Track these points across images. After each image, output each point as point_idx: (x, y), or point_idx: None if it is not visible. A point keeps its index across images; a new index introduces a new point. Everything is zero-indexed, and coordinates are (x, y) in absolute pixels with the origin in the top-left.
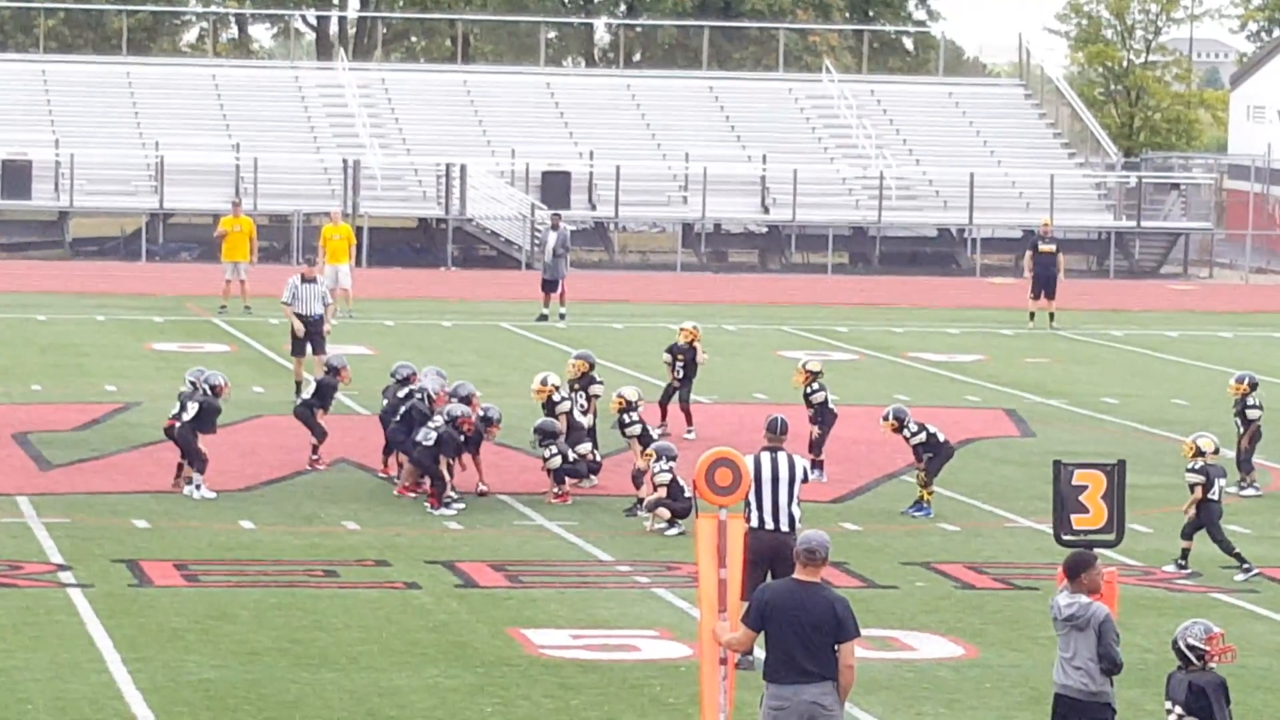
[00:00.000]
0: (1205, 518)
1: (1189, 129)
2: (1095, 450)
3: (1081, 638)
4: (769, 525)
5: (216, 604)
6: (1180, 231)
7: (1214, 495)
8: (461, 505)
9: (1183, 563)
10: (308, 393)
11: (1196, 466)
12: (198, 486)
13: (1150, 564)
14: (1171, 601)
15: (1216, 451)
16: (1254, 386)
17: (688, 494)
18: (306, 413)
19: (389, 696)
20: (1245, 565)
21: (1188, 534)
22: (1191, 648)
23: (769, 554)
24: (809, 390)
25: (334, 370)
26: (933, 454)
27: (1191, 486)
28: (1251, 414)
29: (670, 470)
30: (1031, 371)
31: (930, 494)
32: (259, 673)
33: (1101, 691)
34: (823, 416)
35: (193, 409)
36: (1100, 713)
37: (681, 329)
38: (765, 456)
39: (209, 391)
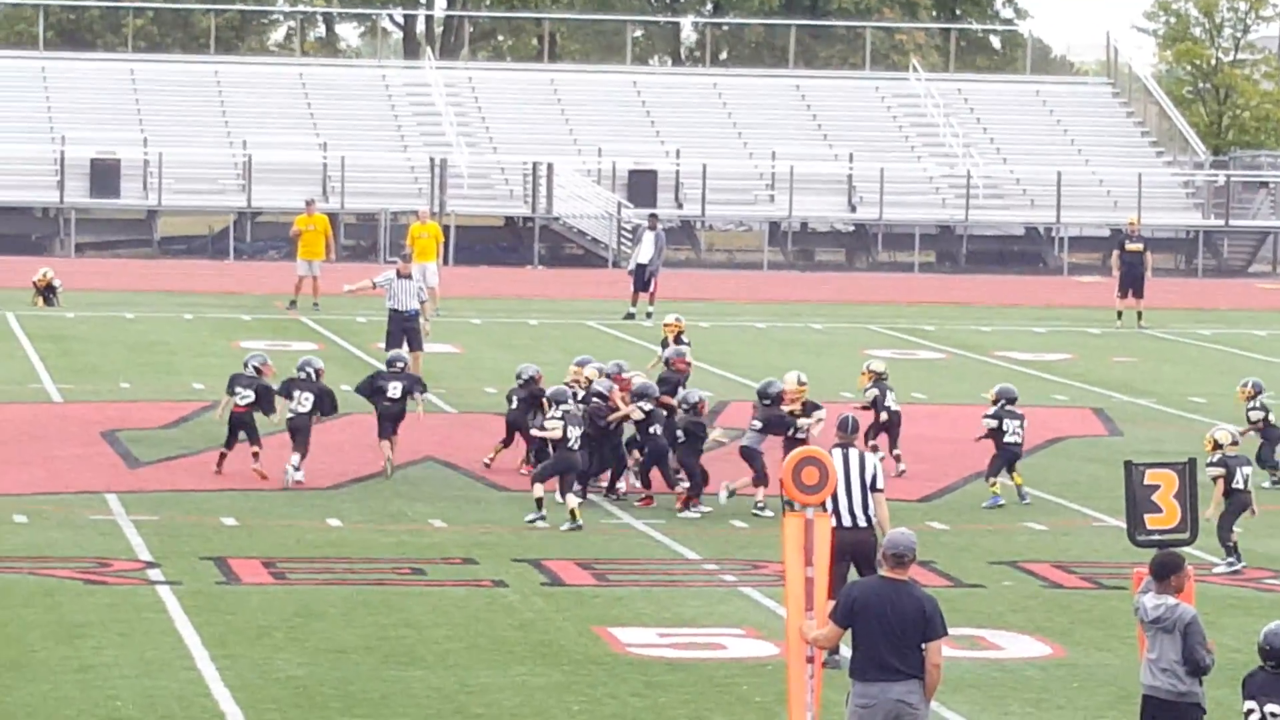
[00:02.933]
0: (1232, 508)
1: (1278, 127)
2: (1183, 449)
3: (1168, 639)
4: (846, 522)
5: (304, 602)
6: (1269, 230)
7: (1238, 484)
8: (709, 509)
9: (1231, 559)
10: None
11: (1215, 459)
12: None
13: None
14: (1260, 601)
15: (1235, 443)
16: None
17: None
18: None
19: (476, 694)
20: (1230, 559)
21: (1229, 527)
22: None
23: (849, 550)
24: (866, 388)
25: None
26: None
27: (1214, 479)
28: None
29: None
30: (1119, 370)
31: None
32: (347, 670)
33: (1190, 692)
34: (879, 414)
35: (250, 394)
36: (1190, 713)
37: (665, 324)
38: (837, 454)
39: (256, 372)
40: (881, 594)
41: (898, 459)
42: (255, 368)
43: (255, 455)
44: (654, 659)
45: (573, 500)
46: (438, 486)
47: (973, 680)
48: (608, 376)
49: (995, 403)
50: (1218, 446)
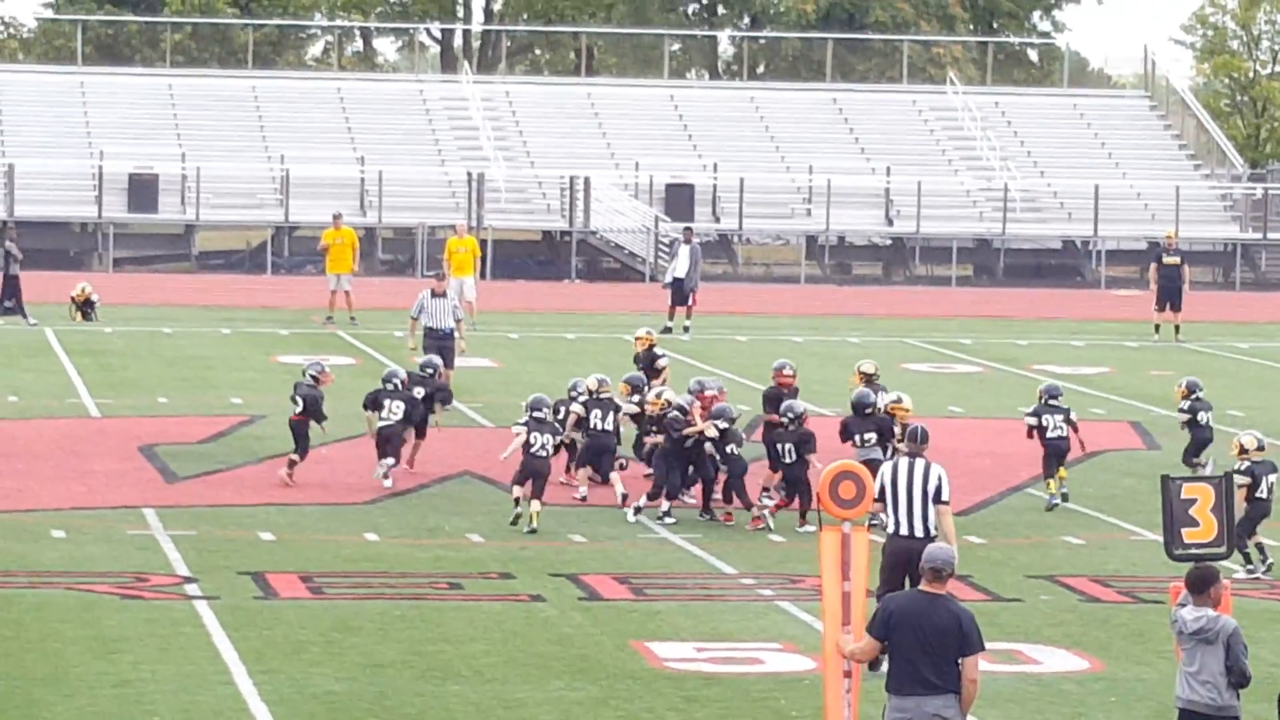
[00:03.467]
0: (1251, 515)
1: None
2: (1221, 464)
3: (1210, 651)
4: (904, 531)
5: (341, 616)
6: None
7: (1261, 493)
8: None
9: (1261, 556)
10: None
11: (1243, 467)
12: (385, 475)
13: (1277, 577)
14: None
15: (1261, 448)
16: None
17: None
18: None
19: (513, 709)
20: (1250, 566)
21: (1248, 534)
22: None
23: (906, 559)
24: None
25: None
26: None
27: (1238, 485)
28: None
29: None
30: (1157, 384)
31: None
32: (384, 685)
33: (1229, 705)
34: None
35: (300, 402)
36: None
37: (637, 337)
38: (903, 463)
39: (314, 380)
40: (919, 608)
41: None
42: (313, 375)
43: (292, 463)
44: (691, 673)
45: (535, 505)
46: (475, 501)
47: (1010, 695)
48: (690, 392)
49: (1039, 400)
50: (1244, 451)
